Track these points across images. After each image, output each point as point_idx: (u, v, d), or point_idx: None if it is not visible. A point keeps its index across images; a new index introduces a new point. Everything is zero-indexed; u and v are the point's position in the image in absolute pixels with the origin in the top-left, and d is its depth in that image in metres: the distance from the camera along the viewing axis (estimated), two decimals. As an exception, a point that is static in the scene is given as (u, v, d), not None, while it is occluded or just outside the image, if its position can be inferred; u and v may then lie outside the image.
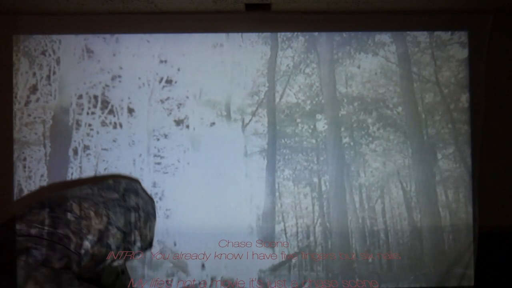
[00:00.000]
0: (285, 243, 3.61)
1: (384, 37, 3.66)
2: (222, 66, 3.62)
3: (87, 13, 3.61)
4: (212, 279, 3.56)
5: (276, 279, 3.58)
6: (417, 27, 3.65)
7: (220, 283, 3.55)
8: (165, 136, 3.60)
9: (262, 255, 3.58)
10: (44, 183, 3.56)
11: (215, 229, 3.54)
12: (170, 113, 3.61)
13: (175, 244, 3.55)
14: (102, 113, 3.59)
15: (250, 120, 3.62)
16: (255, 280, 3.57)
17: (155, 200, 3.53)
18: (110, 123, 3.59)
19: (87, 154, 3.58)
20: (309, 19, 3.64)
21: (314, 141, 3.65)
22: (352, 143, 3.65)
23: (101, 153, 3.58)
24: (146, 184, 3.56)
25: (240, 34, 3.62)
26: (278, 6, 3.57)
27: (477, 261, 3.59)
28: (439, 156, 3.65)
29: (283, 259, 3.59)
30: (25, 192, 3.55)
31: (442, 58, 3.65)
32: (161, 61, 3.61)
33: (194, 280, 3.55)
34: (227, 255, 3.53)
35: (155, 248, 3.53)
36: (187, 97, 3.61)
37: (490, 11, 3.62)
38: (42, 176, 3.56)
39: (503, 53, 3.68)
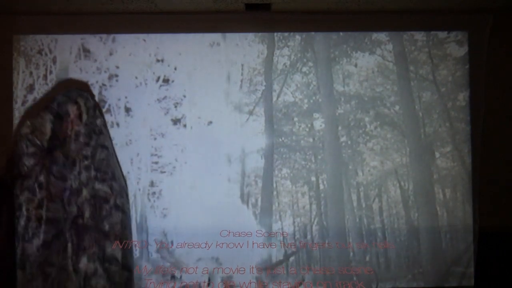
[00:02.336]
0: (285, 232, 3.60)
1: (380, 35, 3.66)
2: (219, 65, 3.62)
3: (87, 13, 3.61)
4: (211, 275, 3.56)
5: (274, 279, 3.58)
6: (417, 27, 3.65)
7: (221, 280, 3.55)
8: (162, 135, 3.60)
9: (262, 244, 3.58)
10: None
11: (212, 228, 3.54)
12: (167, 112, 3.61)
13: (172, 243, 3.55)
14: (99, 112, 3.60)
15: (247, 119, 3.62)
16: (254, 267, 3.56)
17: (152, 200, 3.55)
18: (107, 122, 3.58)
19: (85, 154, 3.58)
20: (309, 19, 3.63)
21: (311, 139, 3.65)
22: (349, 142, 3.65)
23: (99, 152, 3.58)
24: (144, 184, 3.57)
25: (237, 33, 3.62)
26: (278, 6, 3.57)
27: (477, 261, 3.58)
28: (437, 154, 3.64)
29: (281, 258, 3.59)
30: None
31: (439, 57, 3.65)
32: (158, 60, 3.61)
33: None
34: (228, 244, 3.52)
35: (152, 246, 3.54)
36: (184, 96, 3.61)
37: (489, 11, 3.61)
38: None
39: (503, 53, 3.66)
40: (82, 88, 3.49)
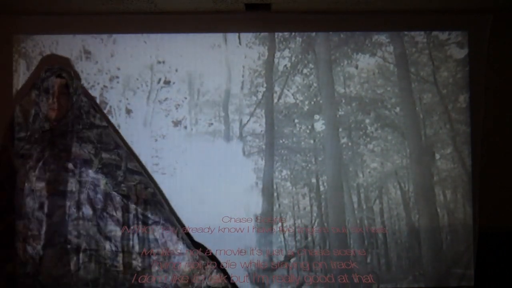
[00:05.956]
0: (284, 219, 3.61)
1: (381, 37, 3.66)
2: (220, 66, 3.62)
3: (87, 13, 3.61)
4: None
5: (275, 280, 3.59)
6: (417, 27, 3.65)
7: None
8: (163, 137, 3.60)
9: (262, 229, 3.58)
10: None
11: (213, 229, 3.54)
12: (168, 114, 3.61)
13: (173, 245, 3.56)
14: (100, 114, 3.60)
15: (248, 121, 3.63)
16: (255, 249, 3.57)
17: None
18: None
19: (85, 155, 3.58)
20: (309, 19, 3.63)
21: (312, 141, 3.65)
22: (350, 144, 3.65)
23: (100, 154, 3.58)
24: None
25: (237, 34, 3.62)
26: (278, 6, 3.57)
27: (477, 261, 3.59)
28: (437, 156, 3.65)
29: (282, 260, 3.60)
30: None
31: (439, 58, 3.65)
32: (159, 62, 3.61)
33: None
34: (229, 229, 3.52)
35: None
36: (185, 98, 3.61)
37: (490, 11, 3.61)
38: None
39: (503, 53, 3.67)
40: (64, 63, 3.52)
